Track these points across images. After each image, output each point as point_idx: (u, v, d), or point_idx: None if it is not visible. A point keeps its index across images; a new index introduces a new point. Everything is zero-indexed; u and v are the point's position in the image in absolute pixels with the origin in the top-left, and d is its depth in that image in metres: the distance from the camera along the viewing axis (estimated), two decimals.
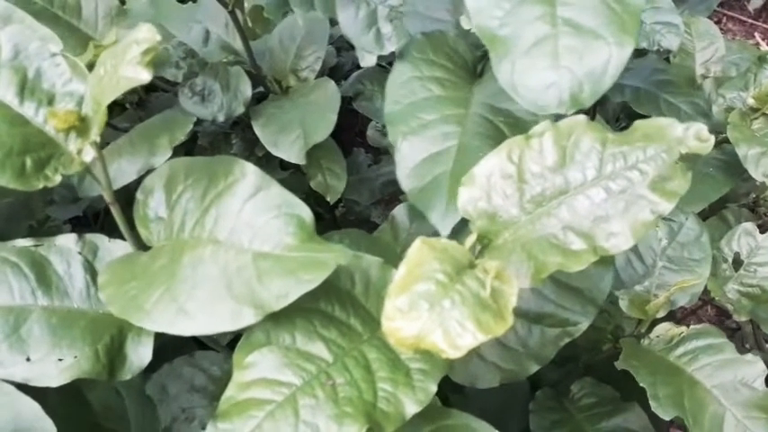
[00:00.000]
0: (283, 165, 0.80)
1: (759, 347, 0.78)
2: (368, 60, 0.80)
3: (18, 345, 0.41)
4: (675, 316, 0.68)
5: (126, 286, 0.40)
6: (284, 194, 0.40)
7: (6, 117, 0.42)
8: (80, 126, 0.42)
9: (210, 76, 0.70)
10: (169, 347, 0.55)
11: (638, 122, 0.38)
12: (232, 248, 0.39)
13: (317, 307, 0.41)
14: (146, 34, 0.38)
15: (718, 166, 0.71)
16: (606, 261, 0.46)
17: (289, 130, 0.67)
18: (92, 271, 0.46)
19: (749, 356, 0.51)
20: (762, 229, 0.65)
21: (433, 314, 0.33)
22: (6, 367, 0.40)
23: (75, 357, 0.41)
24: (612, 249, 0.35)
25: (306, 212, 0.40)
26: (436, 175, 0.49)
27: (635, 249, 0.60)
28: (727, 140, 0.67)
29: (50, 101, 0.43)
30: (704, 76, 0.80)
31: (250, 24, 0.81)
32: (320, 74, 0.75)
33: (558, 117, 0.39)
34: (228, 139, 0.84)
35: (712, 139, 0.35)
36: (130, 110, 0.79)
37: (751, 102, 0.69)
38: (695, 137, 0.35)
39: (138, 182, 0.46)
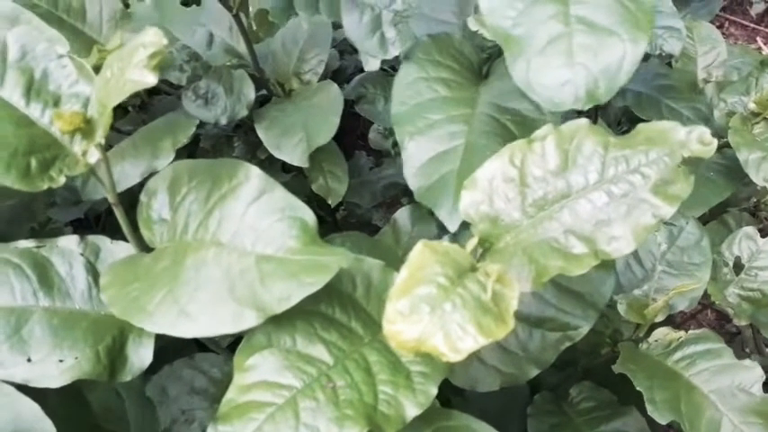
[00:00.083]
0: (285, 168, 0.80)
1: (759, 352, 0.78)
2: (372, 64, 0.80)
3: (19, 345, 0.41)
4: (675, 320, 0.67)
5: (128, 288, 0.40)
6: (288, 198, 0.41)
7: (12, 118, 0.42)
8: (85, 128, 0.42)
9: (214, 80, 0.70)
10: (169, 349, 0.55)
11: (640, 126, 0.38)
12: (235, 251, 0.39)
13: (318, 310, 0.41)
14: (153, 38, 0.38)
15: (718, 170, 0.71)
16: (607, 265, 0.46)
17: (291, 133, 0.67)
18: (93, 272, 0.46)
19: (747, 362, 0.51)
20: (763, 234, 0.65)
21: (435, 317, 0.33)
22: (7, 368, 0.40)
23: (76, 358, 0.41)
24: (614, 253, 0.35)
25: (309, 216, 0.40)
26: (443, 174, 0.49)
27: (634, 253, 0.60)
28: (728, 145, 0.67)
29: (56, 102, 0.44)
30: (706, 81, 0.80)
31: (254, 28, 0.81)
32: (323, 77, 0.75)
33: (565, 118, 0.39)
34: (231, 142, 0.84)
35: (715, 142, 0.35)
36: (133, 113, 0.79)
37: (752, 106, 0.69)
38: (698, 140, 0.35)
39: (140, 185, 0.46)
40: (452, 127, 0.51)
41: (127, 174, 0.60)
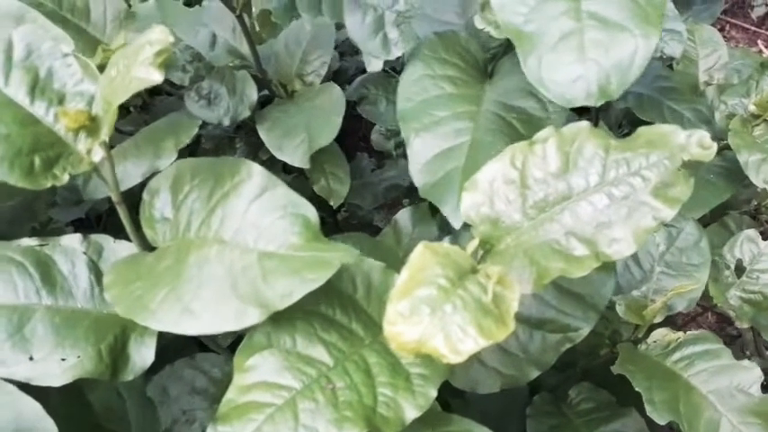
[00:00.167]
0: (287, 169, 0.80)
1: (759, 354, 0.78)
2: (374, 65, 0.80)
3: (21, 344, 0.41)
4: (676, 322, 0.67)
5: (131, 286, 0.40)
6: (290, 195, 0.41)
7: (17, 116, 0.42)
8: (90, 126, 0.42)
9: (217, 80, 0.70)
10: (170, 349, 0.55)
11: (641, 129, 0.38)
12: (237, 248, 0.40)
13: (318, 310, 0.41)
14: (159, 36, 0.38)
15: (719, 172, 0.71)
16: (608, 267, 0.46)
17: (293, 134, 0.68)
18: (96, 271, 0.46)
19: (745, 362, 0.51)
20: (764, 237, 0.65)
21: (435, 319, 0.33)
22: (9, 366, 0.40)
23: (79, 357, 0.41)
24: (615, 255, 0.35)
25: (311, 212, 0.40)
26: (448, 171, 0.49)
27: (633, 254, 0.59)
28: (728, 147, 0.67)
29: (61, 100, 0.44)
30: (707, 83, 0.80)
31: (257, 29, 0.82)
32: (324, 78, 0.76)
33: (567, 119, 0.39)
34: (233, 143, 0.84)
35: (715, 146, 0.35)
36: (135, 113, 0.79)
37: (752, 108, 0.69)
38: (698, 144, 0.35)
39: (141, 186, 0.46)
40: (458, 124, 0.51)
41: (129, 173, 0.60)
